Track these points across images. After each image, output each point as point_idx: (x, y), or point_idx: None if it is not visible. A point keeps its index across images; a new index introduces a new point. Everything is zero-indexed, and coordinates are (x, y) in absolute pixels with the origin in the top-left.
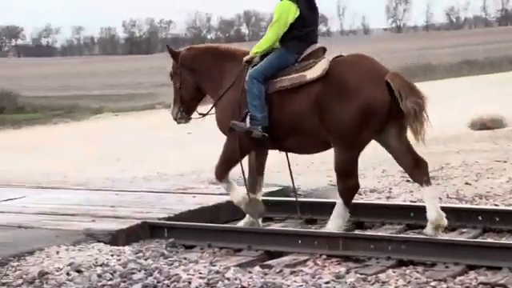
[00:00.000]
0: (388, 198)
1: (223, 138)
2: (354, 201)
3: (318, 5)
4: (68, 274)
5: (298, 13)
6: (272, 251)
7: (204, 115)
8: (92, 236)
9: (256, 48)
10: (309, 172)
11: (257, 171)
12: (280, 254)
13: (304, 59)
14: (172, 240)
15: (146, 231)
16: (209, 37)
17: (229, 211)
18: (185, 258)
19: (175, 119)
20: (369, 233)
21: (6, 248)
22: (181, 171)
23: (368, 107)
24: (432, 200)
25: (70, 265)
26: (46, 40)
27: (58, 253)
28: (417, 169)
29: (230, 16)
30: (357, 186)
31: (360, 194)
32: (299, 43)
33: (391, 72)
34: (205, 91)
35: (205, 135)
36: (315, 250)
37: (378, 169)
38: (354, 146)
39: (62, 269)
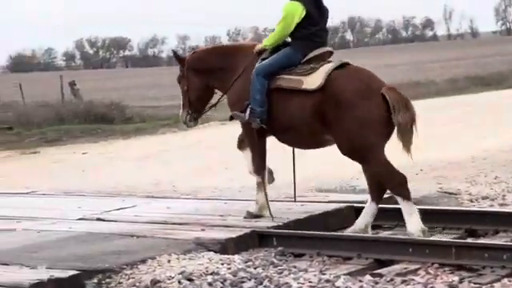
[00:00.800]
0: (501, 205)
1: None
2: (466, 208)
3: (326, 6)
4: (179, 282)
5: (305, 12)
6: (382, 260)
7: (214, 105)
8: (202, 245)
9: (265, 42)
10: (417, 179)
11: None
12: (390, 263)
13: (307, 61)
14: (281, 248)
15: (254, 240)
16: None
17: (337, 219)
18: (294, 267)
19: (184, 122)
20: (482, 241)
21: (120, 256)
22: (289, 180)
23: (365, 120)
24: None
25: (181, 273)
26: (153, 50)
27: (169, 261)
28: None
29: (334, 23)
30: (404, 178)
31: (472, 202)
32: (306, 43)
33: (387, 86)
34: (214, 87)
35: None
36: (427, 258)
37: (490, 175)
38: (370, 154)
39: (173, 277)
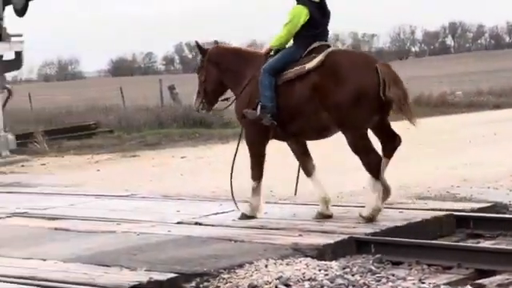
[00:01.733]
0: None
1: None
2: None
3: (329, 8)
4: (277, 287)
5: (309, 16)
6: (484, 270)
7: (227, 106)
8: (299, 250)
9: (271, 43)
10: None
11: (302, 155)
12: (492, 273)
13: (308, 53)
14: (379, 256)
15: (352, 246)
16: (413, 49)
17: (436, 227)
18: (392, 275)
19: (197, 110)
20: None
21: (218, 260)
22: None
23: (359, 89)
24: (384, 167)
25: (278, 278)
26: None
27: (266, 266)
28: (394, 142)
29: (435, 28)
30: (379, 158)
31: None
32: (306, 41)
33: (381, 62)
34: (227, 85)
35: (411, 151)
36: None
37: None
38: (355, 126)
39: (270, 282)
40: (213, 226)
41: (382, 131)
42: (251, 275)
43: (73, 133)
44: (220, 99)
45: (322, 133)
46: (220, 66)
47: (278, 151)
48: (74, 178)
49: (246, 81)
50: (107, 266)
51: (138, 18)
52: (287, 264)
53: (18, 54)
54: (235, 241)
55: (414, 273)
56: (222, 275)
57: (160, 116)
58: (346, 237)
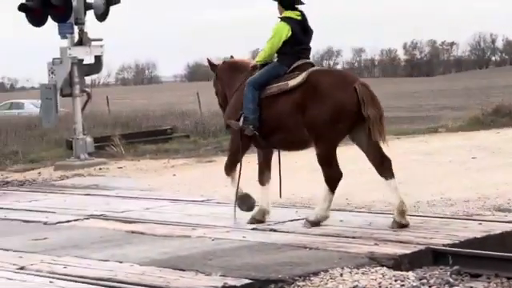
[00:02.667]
0: None
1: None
2: None
3: (312, 27)
4: None
5: (291, 33)
6: None
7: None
8: (375, 260)
9: (256, 58)
10: None
11: (265, 167)
12: None
13: (292, 71)
14: (457, 268)
15: (429, 257)
16: (493, 59)
17: None
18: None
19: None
20: None
21: (293, 268)
22: (466, 197)
23: (337, 107)
24: (395, 190)
25: None
26: (328, 62)
27: (341, 275)
28: (382, 165)
29: None
30: (340, 175)
31: None
32: (289, 58)
33: (360, 81)
34: (228, 98)
35: (491, 161)
36: None
37: None
38: (329, 140)
39: None
40: (288, 232)
41: (373, 154)
42: (326, 283)
43: (149, 137)
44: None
45: (301, 145)
46: (223, 81)
47: (354, 160)
48: (150, 182)
49: (234, 89)
50: (182, 270)
51: (215, 22)
52: (363, 273)
53: (98, 58)
54: (310, 248)
55: (493, 286)
56: (297, 283)
57: None
58: (423, 247)
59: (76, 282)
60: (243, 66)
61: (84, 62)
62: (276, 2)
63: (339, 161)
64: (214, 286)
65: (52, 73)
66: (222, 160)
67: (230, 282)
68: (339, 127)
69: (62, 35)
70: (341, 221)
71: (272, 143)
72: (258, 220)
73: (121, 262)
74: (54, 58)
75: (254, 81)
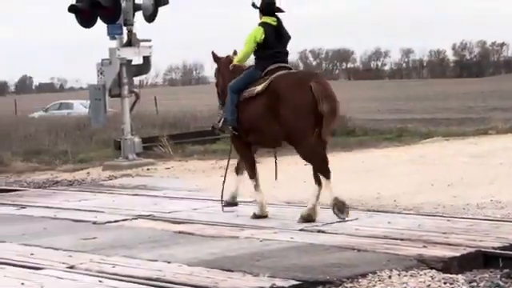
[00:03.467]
0: None
1: None
2: None
3: (288, 33)
4: None
5: (264, 36)
6: None
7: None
8: (424, 262)
9: (235, 59)
10: None
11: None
12: None
13: (265, 74)
14: (507, 271)
15: (479, 260)
16: None
17: None
18: None
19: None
20: None
21: (341, 269)
22: None
23: (297, 106)
24: (328, 188)
25: None
26: (376, 63)
27: (390, 277)
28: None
29: None
30: (326, 158)
31: None
32: (263, 62)
33: (315, 80)
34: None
35: None
36: None
37: None
38: (300, 137)
39: None
40: (336, 234)
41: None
42: (374, 285)
43: (197, 137)
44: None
45: (273, 143)
46: (224, 75)
47: (403, 162)
48: (198, 183)
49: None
50: (230, 270)
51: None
52: (411, 275)
53: (147, 59)
54: (358, 250)
55: None
56: (345, 284)
57: None
58: (472, 250)
59: (125, 281)
60: (238, 68)
61: (132, 63)
62: (257, 10)
63: (388, 161)
64: (261, 286)
65: (101, 73)
66: (269, 161)
67: (278, 283)
68: (303, 124)
69: (111, 36)
70: (389, 223)
71: (252, 141)
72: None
73: (169, 262)
74: (102, 59)
75: (232, 85)
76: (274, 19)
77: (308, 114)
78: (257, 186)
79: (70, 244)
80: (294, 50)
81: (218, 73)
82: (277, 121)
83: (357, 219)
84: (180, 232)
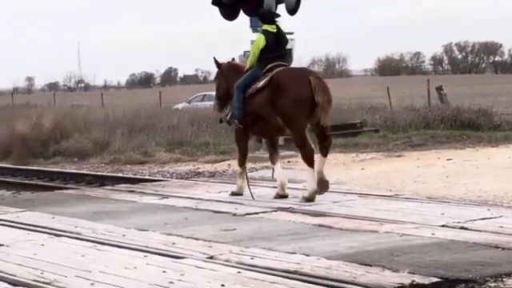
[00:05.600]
0: None
1: None
2: None
3: (286, 36)
4: None
5: (265, 43)
6: None
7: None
8: None
9: (247, 65)
10: None
11: (272, 148)
12: None
13: (266, 72)
14: None
15: None
16: None
17: None
18: None
19: (214, 108)
20: None
21: (484, 268)
22: None
23: (297, 97)
24: (322, 165)
25: None
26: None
27: None
28: (323, 143)
29: None
30: (312, 151)
31: None
32: (264, 63)
33: (314, 75)
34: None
35: None
36: None
37: None
38: (298, 124)
39: None
40: (479, 231)
41: (318, 134)
42: None
43: (339, 131)
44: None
45: (277, 132)
46: (227, 78)
47: None
48: (339, 176)
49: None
50: (369, 265)
51: (404, 17)
52: None
53: (289, 51)
54: (503, 248)
55: None
56: (488, 283)
57: (427, 117)
58: None
59: (263, 273)
60: (241, 69)
61: None
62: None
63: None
64: (401, 282)
65: None
66: (412, 155)
67: (418, 279)
68: (302, 112)
69: (254, 28)
70: None
71: (255, 132)
72: (280, 195)
73: (307, 255)
74: (245, 51)
75: (239, 84)
76: (274, 26)
77: (306, 103)
78: (242, 173)
79: (210, 234)
80: (438, 44)
81: (220, 76)
82: (277, 110)
83: (501, 217)
84: (319, 225)
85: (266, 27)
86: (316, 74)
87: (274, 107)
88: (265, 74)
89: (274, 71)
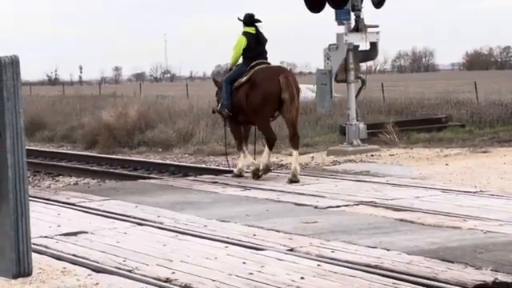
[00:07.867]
0: None
1: None
2: None
3: (265, 37)
4: None
5: (246, 43)
6: None
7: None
8: None
9: (230, 62)
10: None
11: (244, 137)
12: None
13: (250, 69)
14: None
15: None
16: None
17: None
18: None
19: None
20: None
21: None
22: None
23: (265, 94)
24: (295, 159)
25: None
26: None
27: None
28: (292, 139)
29: None
30: (274, 137)
31: None
32: (247, 61)
33: (284, 74)
34: None
35: None
36: None
37: None
38: (262, 116)
39: None
40: None
41: (288, 128)
42: None
43: (423, 125)
44: None
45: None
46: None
47: None
48: (422, 171)
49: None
50: (451, 262)
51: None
52: None
53: (374, 45)
54: None
55: None
56: None
57: None
58: None
59: (343, 266)
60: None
61: (360, 49)
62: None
63: None
64: (483, 280)
65: (328, 59)
66: (499, 151)
67: (501, 277)
68: (268, 107)
69: (339, 21)
70: None
71: (242, 121)
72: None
73: (388, 250)
74: (330, 44)
75: (227, 78)
76: (253, 29)
77: (272, 99)
78: (244, 156)
79: (291, 227)
80: None
81: (218, 92)
82: (248, 101)
83: None
84: (401, 220)
85: (246, 29)
86: (287, 73)
87: (246, 101)
88: (248, 71)
89: (253, 70)
